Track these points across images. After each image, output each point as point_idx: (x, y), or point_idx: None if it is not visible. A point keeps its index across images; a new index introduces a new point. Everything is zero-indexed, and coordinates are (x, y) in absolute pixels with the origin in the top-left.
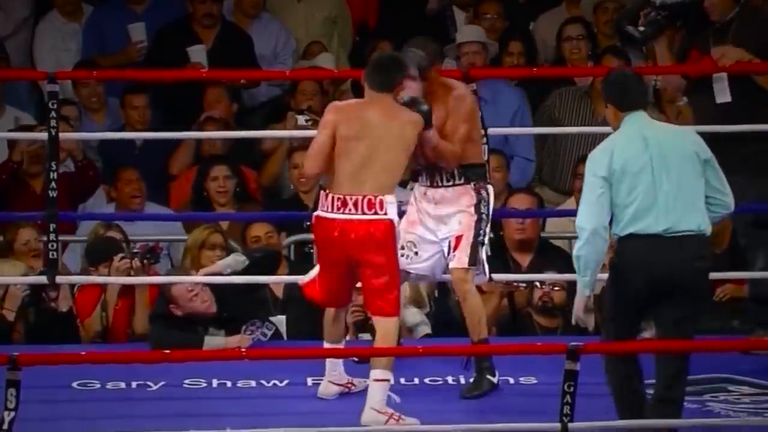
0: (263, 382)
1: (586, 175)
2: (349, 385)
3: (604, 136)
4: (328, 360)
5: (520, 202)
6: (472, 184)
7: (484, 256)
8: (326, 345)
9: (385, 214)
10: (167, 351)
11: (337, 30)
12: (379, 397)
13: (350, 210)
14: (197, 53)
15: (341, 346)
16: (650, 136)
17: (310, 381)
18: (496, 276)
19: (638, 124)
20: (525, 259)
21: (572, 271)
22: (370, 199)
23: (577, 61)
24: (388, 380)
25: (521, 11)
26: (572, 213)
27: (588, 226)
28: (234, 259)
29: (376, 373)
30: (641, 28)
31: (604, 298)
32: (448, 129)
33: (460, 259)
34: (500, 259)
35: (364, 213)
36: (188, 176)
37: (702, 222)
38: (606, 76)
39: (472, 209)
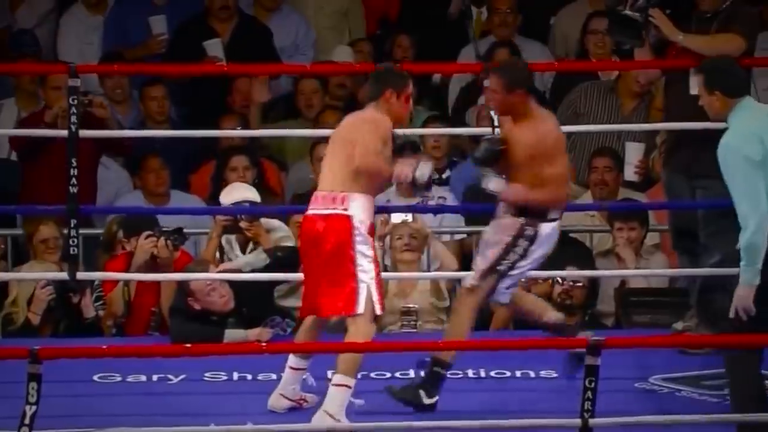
0: (283, 374)
1: (731, 164)
2: (301, 401)
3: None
4: (286, 372)
5: None
6: (523, 218)
7: (503, 285)
8: (291, 359)
9: (345, 209)
10: (188, 345)
11: (349, 23)
12: (335, 402)
13: (318, 206)
14: (214, 47)
15: (306, 362)
16: None
17: (330, 374)
18: None
19: (758, 107)
20: None
21: (590, 264)
22: (334, 196)
23: (602, 55)
24: (347, 386)
25: (539, 5)
26: (590, 207)
27: (756, 214)
28: (256, 256)
29: (335, 378)
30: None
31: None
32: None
33: (467, 279)
34: None
35: (326, 208)
36: (208, 167)
37: None
38: (710, 64)
39: (508, 240)
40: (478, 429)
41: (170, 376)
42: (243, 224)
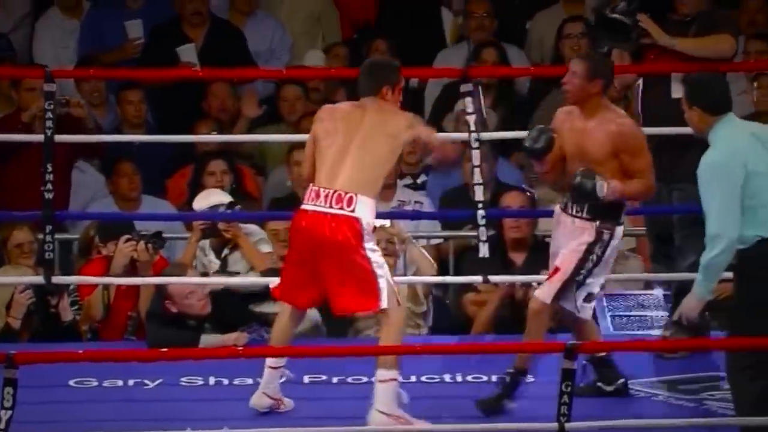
0: (260, 380)
1: (711, 182)
2: (279, 403)
3: None
4: (265, 372)
5: (513, 200)
6: (597, 222)
7: (581, 298)
8: (269, 359)
9: (353, 211)
10: (164, 349)
11: (323, 28)
12: (384, 398)
13: (321, 203)
14: (187, 52)
15: (284, 360)
16: (759, 135)
17: (307, 379)
18: (493, 277)
19: (740, 125)
20: (519, 258)
21: None
22: (340, 194)
23: None
24: (393, 379)
25: (514, 10)
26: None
27: (727, 235)
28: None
29: (379, 373)
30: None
31: (737, 307)
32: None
33: (544, 292)
34: (498, 259)
35: (331, 207)
36: (185, 172)
37: None
38: (693, 78)
39: (584, 247)
40: None
41: (147, 381)
42: (221, 225)
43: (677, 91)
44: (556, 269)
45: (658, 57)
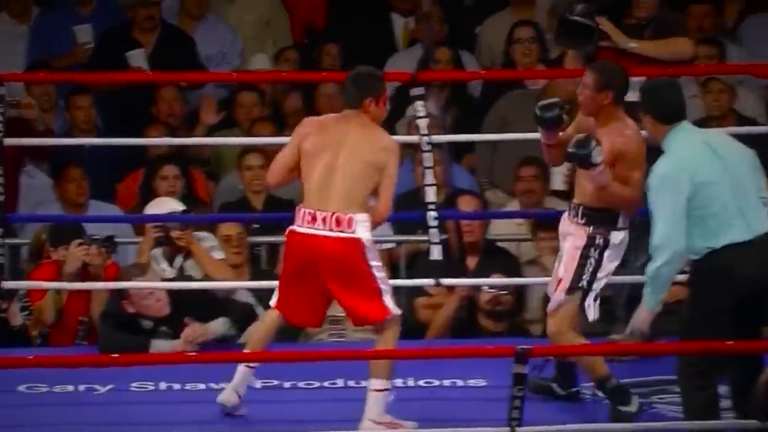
0: (212, 385)
1: (660, 192)
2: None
3: None
4: (239, 370)
5: (466, 204)
6: (590, 228)
7: (589, 302)
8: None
9: (353, 232)
10: (115, 355)
11: (272, 33)
12: (376, 407)
13: (319, 225)
14: (136, 57)
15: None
16: (713, 143)
17: (258, 384)
18: (445, 281)
19: (694, 135)
20: (471, 261)
21: (517, 273)
22: (339, 217)
23: (528, 63)
24: (386, 389)
25: (465, 15)
26: (518, 215)
27: (671, 246)
28: (224, 324)
29: (373, 383)
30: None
31: (688, 317)
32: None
33: (551, 305)
34: (450, 263)
35: (332, 230)
36: (135, 176)
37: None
38: (647, 85)
39: (578, 252)
40: None
41: (97, 386)
42: (175, 234)
43: (632, 95)
44: (560, 281)
45: (613, 60)
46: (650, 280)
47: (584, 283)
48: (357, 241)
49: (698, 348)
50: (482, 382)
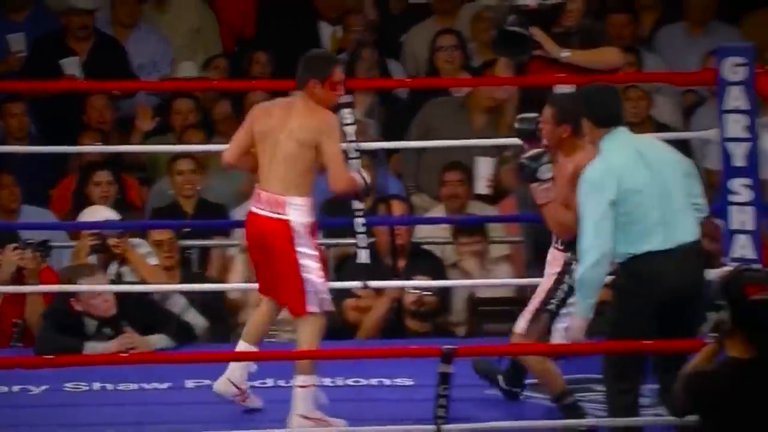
0: (144, 385)
1: (586, 198)
2: (243, 396)
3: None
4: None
5: (393, 208)
6: (568, 254)
7: (557, 326)
8: (240, 344)
9: (284, 214)
10: (49, 356)
11: (202, 41)
12: (304, 402)
13: (261, 205)
14: (70, 65)
15: (254, 348)
16: (644, 152)
17: (191, 384)
18: (372, 283)
19: (626, 141)
20: (399, 264)
21: (442, 275)
22: (276, 198)
23: (451, 71)
24: (311, 384)
25: (391, 24)
26: (442, 220)
27: (597, 250)
28: (161, 339)
29: (298, 379)
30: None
31: (611, 320)
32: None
33: (518, 324)
34: (377, 265)
35: (268, 210)
36: (68, 182)
37: (697, 229)
38: (583, 91)
39: (554, 277)
40: None
41: (31, 387)
42: (111, 241)
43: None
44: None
45: (539, 70)
46: (578, 285)
47: (553, 306)
48: (285, 224)
49: (622, 348)
50: (409, 382)
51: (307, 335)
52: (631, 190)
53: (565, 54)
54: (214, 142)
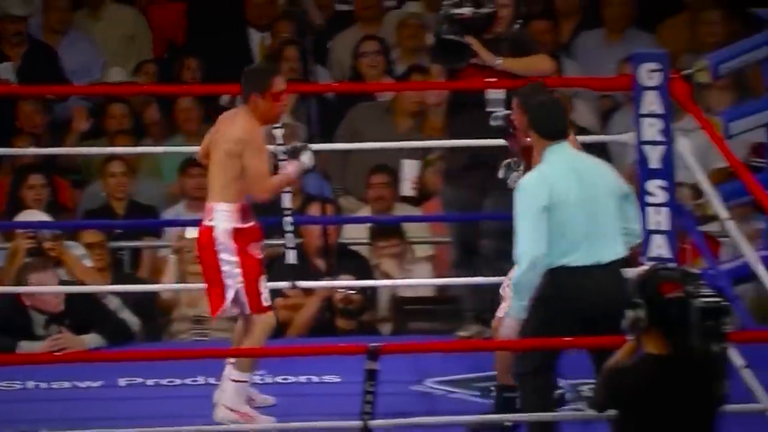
0: (77, 383)
1: (522, 204)
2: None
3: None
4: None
5: (318, 209)
6: None
7: None
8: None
9: (211, 220)
10: None
11: (136, 47)
12: (233, 395)
13: (203, 214)
14: (4, 70)
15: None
16: (580, 169)
17: (123, 382)
18: (301, 283)
19: (566, 155)
20: (326, 264)
21: (368, 275)
22: (209, 206)
23: (375, 76)
24: (245, 381)
25: (319, 30)
26: (368, 220)
27: (530, 254)
28: (94, 338)
29: (233, 374)
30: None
31: (532, 324)
32: None
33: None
34: (305, 265)
35: (205, 219)
36: (2, 185)
37: (622, 251)
38: (531, 104)
39: None
40: None
41: None
42: (47, 245)
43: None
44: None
45: (475, 75)
46: (514, 287)
47: None
48: (210, 230)
49: (530, 345)
50: (336, 379)
51: (254, 334)
52: (560, 202)
53: (498, 62)
54: (144, 145)
